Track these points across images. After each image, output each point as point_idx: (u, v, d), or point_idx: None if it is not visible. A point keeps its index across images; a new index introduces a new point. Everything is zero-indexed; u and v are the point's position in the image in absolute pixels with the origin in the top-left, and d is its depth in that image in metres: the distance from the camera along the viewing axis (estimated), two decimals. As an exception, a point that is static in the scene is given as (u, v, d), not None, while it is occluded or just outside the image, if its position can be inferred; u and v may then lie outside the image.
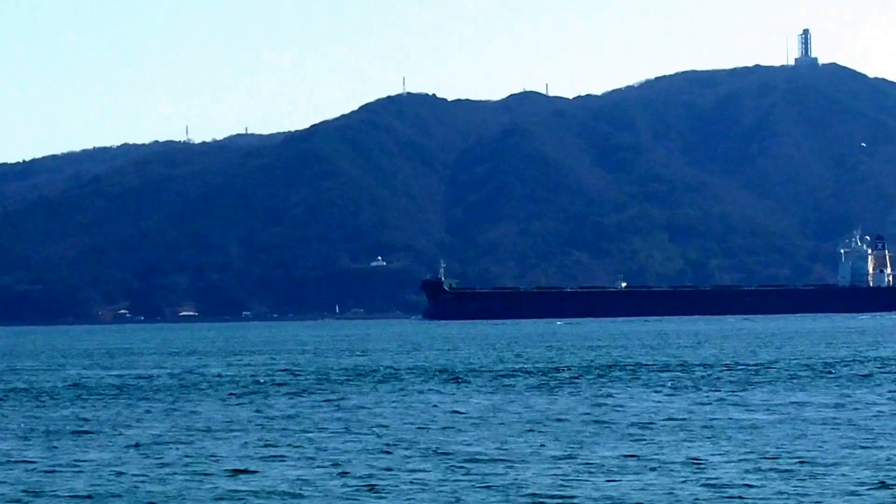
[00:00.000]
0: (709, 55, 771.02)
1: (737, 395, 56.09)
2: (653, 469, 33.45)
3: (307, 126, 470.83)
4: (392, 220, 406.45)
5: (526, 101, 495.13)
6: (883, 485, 30.65)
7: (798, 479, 31.49)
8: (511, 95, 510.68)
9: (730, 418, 45.98)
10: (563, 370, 77.36)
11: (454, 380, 69.91)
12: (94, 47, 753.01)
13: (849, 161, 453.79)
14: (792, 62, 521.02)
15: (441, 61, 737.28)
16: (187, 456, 37.65)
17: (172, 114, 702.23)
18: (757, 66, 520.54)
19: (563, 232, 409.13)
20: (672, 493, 29.90)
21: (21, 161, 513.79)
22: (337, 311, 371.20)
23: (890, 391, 57.56)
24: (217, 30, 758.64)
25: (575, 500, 29.35)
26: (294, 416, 49.85)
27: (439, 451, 37.73)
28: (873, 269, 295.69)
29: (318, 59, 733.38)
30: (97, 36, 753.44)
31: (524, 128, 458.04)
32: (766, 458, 35.23)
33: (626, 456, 35.97)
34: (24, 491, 31.88)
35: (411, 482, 32.06)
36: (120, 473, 34.28)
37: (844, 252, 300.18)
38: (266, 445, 40.04)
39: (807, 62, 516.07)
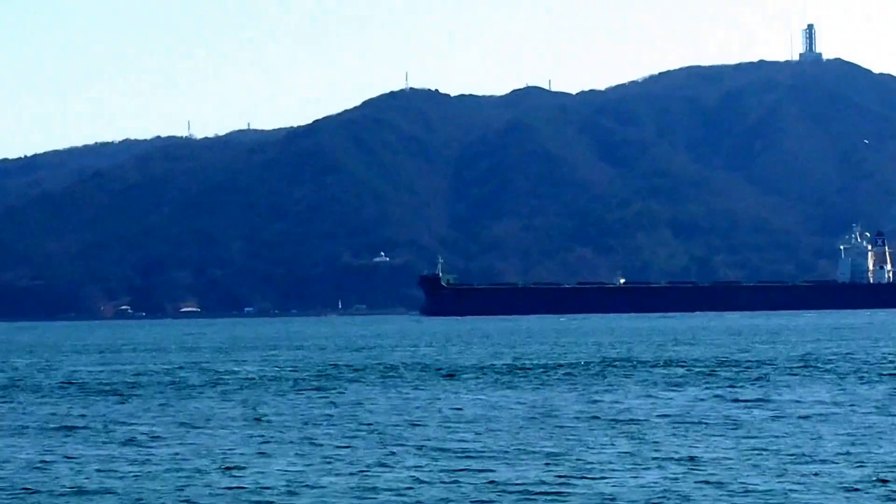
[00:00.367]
0: (713, 50, 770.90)
1: (734, 391, 55.90)
2: (648, 467, 33.27)
3: (310, 121, 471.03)
4: (395, 215, 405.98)
5: (529, 97, 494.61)
6: (881, 482, 30.48)
7: (796, 477, 31.31)
8: (514, 91, 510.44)
9: (725, 415, 45.80)
10: (559, 367, 77.27)
11: (449, 376, 69.90)
12: (96, 42, 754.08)
13: (853, 157, 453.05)
14: (796, 57, 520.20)
15: (444, 56, 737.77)
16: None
17: (174, 109, 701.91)
18: (761, 62, 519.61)
19: (567, 228, 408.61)
20: (668, 490, 29.74)
21: (23, 156, 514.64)
22: (339, 306, 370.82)
23: (891, 388, 57.35)
24: (219, 25, 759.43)
25: (571, 497, 29.18)
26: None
27: (435, 447, 37.56)
28: (873, 266, 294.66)
29: (321, 55, 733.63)
30: (99, 31, 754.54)
31: (527, 123, 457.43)
32: (762, 453, 35.06)
33: (622, 453, 35.79)
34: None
35: (408, 478, 31.90)
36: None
37: (844, 248, 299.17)
38: (265, 442, 39.85)
39: (811, 57, 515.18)
